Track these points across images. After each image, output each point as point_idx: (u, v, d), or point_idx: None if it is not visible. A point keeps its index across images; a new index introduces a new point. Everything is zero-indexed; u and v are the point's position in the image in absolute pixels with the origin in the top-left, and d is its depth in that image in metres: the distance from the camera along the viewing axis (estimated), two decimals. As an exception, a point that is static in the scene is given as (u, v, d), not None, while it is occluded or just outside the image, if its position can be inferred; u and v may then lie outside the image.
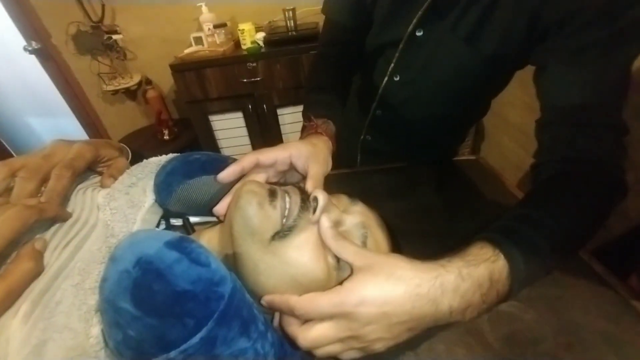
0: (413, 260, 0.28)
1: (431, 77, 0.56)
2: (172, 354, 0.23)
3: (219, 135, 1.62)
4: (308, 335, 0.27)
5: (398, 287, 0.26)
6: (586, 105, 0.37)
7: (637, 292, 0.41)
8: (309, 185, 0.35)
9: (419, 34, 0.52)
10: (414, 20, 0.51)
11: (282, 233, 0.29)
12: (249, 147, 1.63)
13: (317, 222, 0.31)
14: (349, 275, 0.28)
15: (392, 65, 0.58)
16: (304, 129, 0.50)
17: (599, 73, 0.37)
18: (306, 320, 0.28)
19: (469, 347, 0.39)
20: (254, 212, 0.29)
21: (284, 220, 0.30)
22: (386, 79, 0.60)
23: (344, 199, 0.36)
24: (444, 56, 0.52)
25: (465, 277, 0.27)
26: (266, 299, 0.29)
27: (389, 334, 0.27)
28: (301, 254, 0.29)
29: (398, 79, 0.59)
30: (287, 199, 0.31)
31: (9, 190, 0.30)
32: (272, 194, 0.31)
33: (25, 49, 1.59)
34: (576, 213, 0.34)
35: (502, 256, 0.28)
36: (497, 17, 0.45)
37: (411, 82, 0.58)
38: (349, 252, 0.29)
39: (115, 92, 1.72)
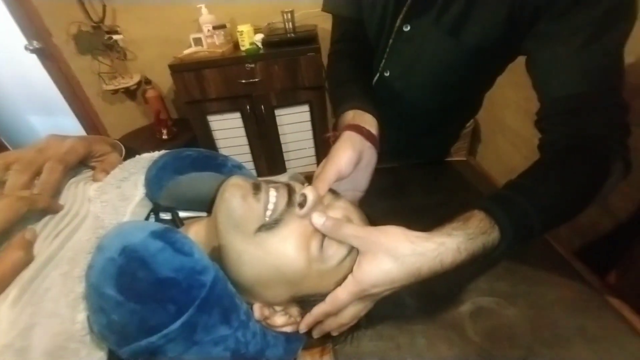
0: (413, 238, 0.31)
1: (419, 72, 0.56)
2: (154, 338, 0.24)
3: (217, 135, 1.63)
4: (343, 319, 0.33)
5: (402, 269, 0.30)
6: (580, 94, 0.39)
7: (614, 289, 0.42)
8: (315, 185, 0.38)
9: (406, 29, 0.53)
10: (401, 16, 0.52)
11: (269, 225, 0.31)
12: (247, 147, 1.64)
13: (305, 216, 0.32)
14: (358, 257, 0.32)
15: (383, 61, 0.59)
16: (335, 126, 0.51)
17: (588, 60, 0.39)
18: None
19: (450, 341, 0.39)
20: (238, 204, 0.30)
21: (269, 214, 0.31)
22: (377, 75, 0.61)
23: (327, 195, 0.37)
24: (430, 50, 0.53)
25: (462, 252, 0.30)
26: (305, 323, 0.33)
27: (396, 289, 0.32)
28: (285, 245, 0.30)
29: (388, 74, 0.60)
30: (274, 193, 0.33)
31: (2, 182, 0.31)
32: (256, 188, 0.32)
33: (26, 48, 1.60)
34: (569, 186, 0.37)
35: (497, 228, 0.32)
36: (479, 8, 0.45)
37: (400, 77, 0.59)
38: (352, 239, 0.32)
39: (115, 91, 1.73)
